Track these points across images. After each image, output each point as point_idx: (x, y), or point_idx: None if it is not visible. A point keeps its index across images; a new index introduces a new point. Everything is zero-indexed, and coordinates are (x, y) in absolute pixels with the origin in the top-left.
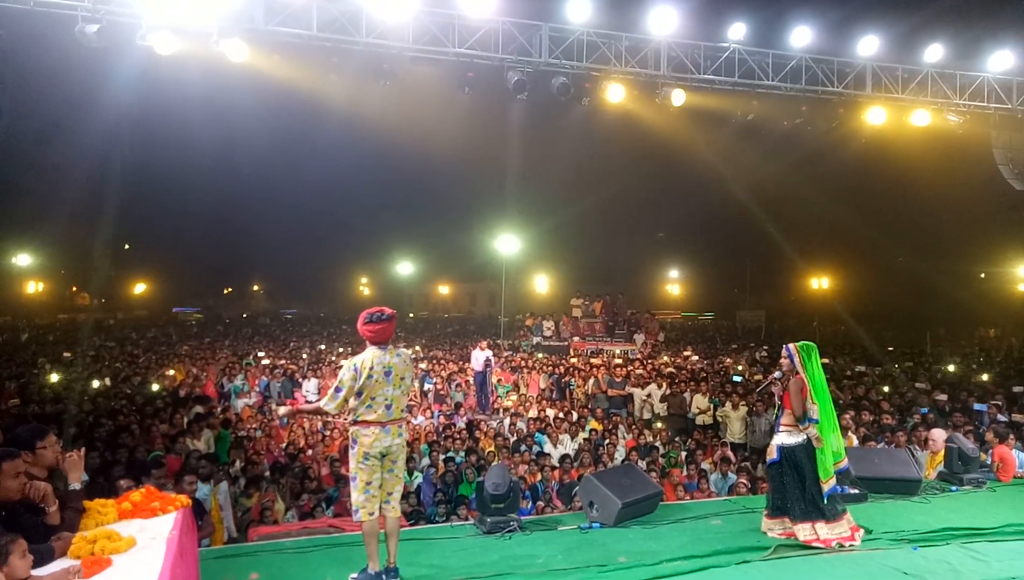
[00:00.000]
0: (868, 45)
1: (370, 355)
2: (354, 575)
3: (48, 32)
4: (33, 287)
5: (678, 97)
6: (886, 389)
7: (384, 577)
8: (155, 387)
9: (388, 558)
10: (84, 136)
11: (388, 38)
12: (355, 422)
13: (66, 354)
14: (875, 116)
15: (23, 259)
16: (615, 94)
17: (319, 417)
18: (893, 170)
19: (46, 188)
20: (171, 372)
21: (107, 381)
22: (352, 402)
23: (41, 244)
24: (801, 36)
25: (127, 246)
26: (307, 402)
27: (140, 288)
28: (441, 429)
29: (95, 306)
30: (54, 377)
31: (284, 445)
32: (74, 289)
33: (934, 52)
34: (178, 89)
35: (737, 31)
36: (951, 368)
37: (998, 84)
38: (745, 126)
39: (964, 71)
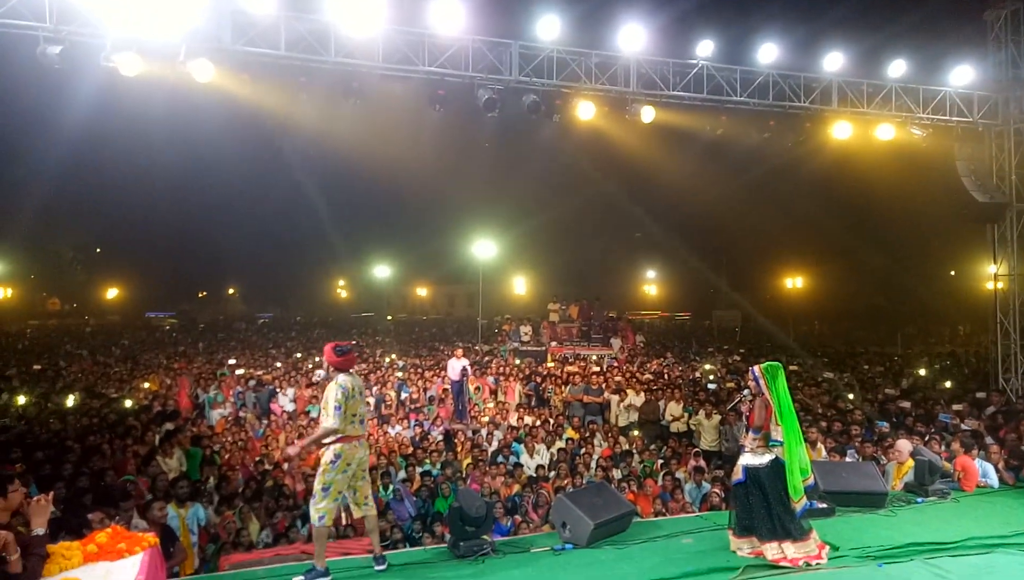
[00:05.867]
0: (833, 61)
1: (349, 379)
2: (299, 577)
3: (9, 51)
4: (1, 293)
5: (648, 114)
6: (852, 397)
7: (327, 571)
8: (128, 403)
9: (375, 549)
10: (50, 147)
11: (357, 56)
12: (339, 439)
13: (36, 367)
14: (841, 130)
15: None
16: (585, 111)
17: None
18: (861, 180)
19: (12, 198)
20: (146, 385)
21: (77, 396)
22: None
23: (9, 249)
24: (768, 53)
25: (98, 250)
26: (284, 411)
27: (112, 293)
28: (418, 439)
29: (66, 311)
30: (22, 396)
31: (257, 459)
32: (44, 295)
33: (897, 67)
34: (144, 107)
35: (705, 48)
36: (922, 372)
37: (960, 98)
38: (715, 140)
39: (927, 85)
